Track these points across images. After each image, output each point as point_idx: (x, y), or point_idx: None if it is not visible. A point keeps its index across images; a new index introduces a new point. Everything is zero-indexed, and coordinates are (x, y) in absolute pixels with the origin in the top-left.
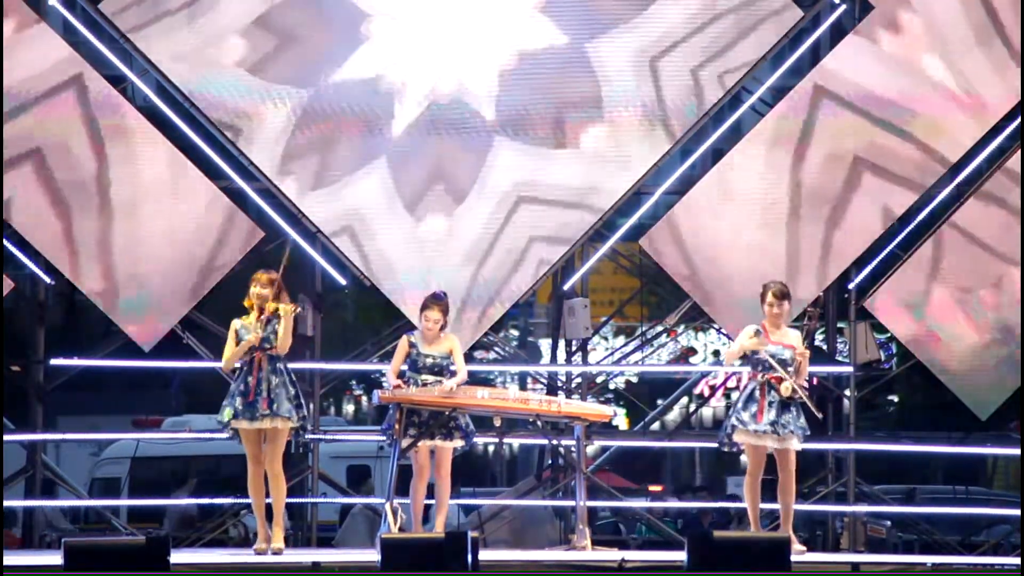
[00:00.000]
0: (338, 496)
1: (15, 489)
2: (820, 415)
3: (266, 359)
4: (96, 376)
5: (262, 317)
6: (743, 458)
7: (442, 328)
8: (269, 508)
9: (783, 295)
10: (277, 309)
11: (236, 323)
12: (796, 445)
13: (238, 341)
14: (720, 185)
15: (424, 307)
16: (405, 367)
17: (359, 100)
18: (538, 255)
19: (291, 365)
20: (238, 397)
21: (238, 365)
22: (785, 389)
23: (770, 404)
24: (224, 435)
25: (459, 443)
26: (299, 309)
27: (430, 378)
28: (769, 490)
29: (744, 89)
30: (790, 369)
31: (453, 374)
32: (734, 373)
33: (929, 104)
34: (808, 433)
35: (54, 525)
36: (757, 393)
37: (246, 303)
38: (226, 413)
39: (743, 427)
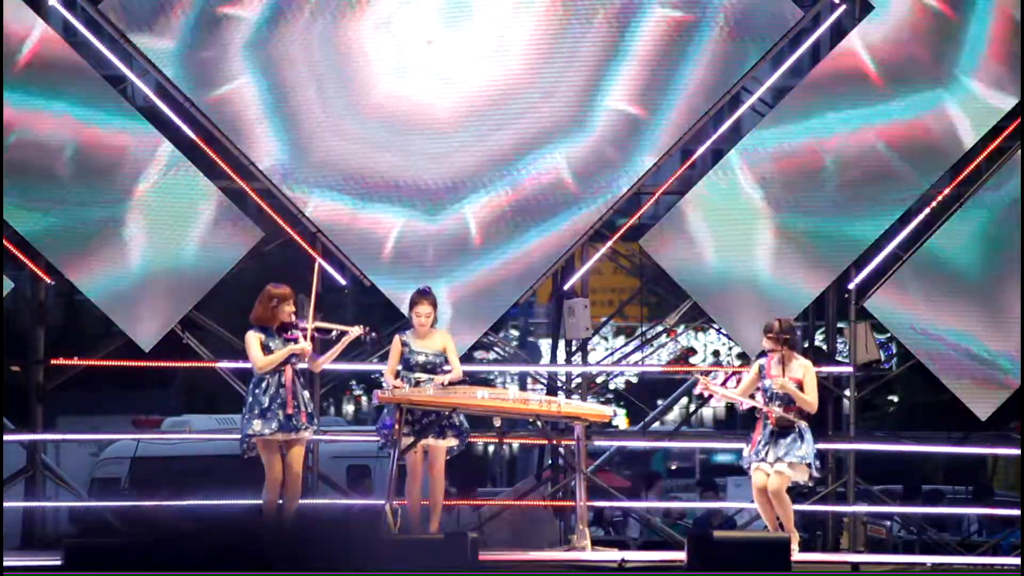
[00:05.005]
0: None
1: (15, 489)
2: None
3: (294, 373)
4: (96, 376)
5: (287, 333)
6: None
7: (433, 323)
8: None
9: (768, 329)
10: (334, 331)
11: (260, 335)
12: (785, 474)
13: (264, 348)
14: (720, 185)
15: (413, 303)
16: (400, 367)
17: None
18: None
19: None
20: (279, 411)
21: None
22: (774, 419)
23: (767, 435)
24: (228, 436)
25: (452, 442)
26: (371, 335)
27: (423, 376)
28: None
29: (744, 89)
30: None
31: (447, 372)
32: (734, 373)
33: None
34: (807, 461)
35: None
36: (757, 425)
37: (264, 320)
38: (258, 425)
39: (743, 460)
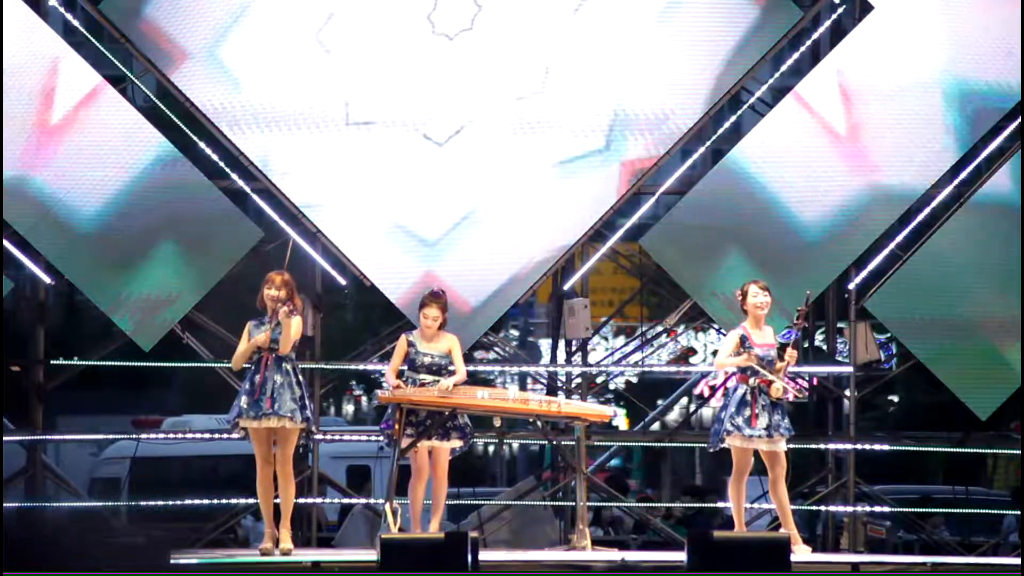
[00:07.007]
0: (338, 496)
1: (15, 489)
2: (805, 394)
3: (273, 359)
4: (96, 376)
5: (274, 318)
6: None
7: (441, 326)
8: (276, 508)
9: (767, 287)
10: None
11: (250, 324)
12: (784, 446)
13: (248, 335)
14: (721, 184)
15: (423, 305)
16: (404, 367)
17: None
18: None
19: None
20: (244, 396)
21: (247, 365)
22: (775, 391)
23: (763, 407)
24: (234, 435)
25: (457, 443)
26: (292, 312)
27: (428, 377)
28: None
29: (744, 89)
30: (781, 366)
31: (451, 374)
32: (733, 373)
33: None
34: (793, 433)
35: None
36: (749, 397)
37: (259, 305)
38: (233, 411)
39: (738, 431)
